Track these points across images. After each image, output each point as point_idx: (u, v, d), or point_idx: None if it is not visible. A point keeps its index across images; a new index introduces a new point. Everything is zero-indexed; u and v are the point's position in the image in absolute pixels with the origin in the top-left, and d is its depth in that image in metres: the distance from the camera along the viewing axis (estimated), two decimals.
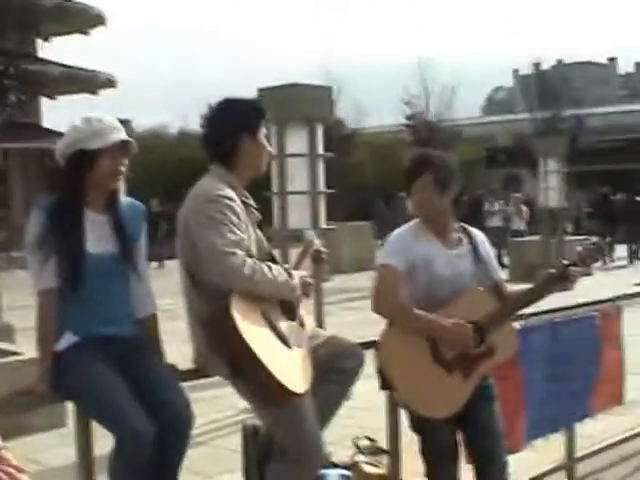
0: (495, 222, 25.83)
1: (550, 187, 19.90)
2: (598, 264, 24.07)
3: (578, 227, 36.01)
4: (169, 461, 3.94)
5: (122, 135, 4.06)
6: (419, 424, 4.72)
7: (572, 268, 4.73)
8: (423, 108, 45.67)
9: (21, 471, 3.00)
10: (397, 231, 4.83)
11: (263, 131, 4.35)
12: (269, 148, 4.42)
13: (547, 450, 6.45)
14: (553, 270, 4.80)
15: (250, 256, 4.00)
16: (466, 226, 4.95)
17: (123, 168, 4.11)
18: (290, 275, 4.11)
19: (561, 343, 6.07)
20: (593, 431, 7.00)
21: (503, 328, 4.75)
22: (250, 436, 4.50)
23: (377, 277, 4.68)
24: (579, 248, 4.89)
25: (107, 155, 4.00)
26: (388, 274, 4.61)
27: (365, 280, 21.86)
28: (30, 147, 36.73)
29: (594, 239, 5.11)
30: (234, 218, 4.01)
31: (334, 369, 4.34)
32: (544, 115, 45.99)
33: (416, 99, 45.72)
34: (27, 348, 8.39)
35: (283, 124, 9.24)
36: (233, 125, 4.24)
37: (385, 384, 4.80)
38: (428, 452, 4.79)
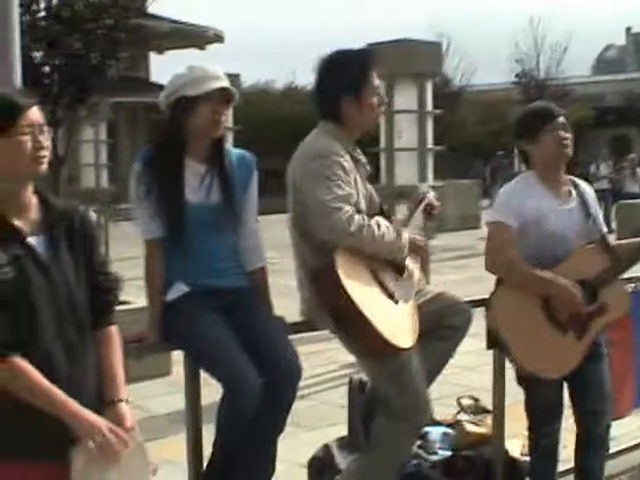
0: (602, 185, 25.30)
1: None
2: None
3: None
4: (276, 413, 3.94)
5: (223, 83, 4.02)
6: (527, 378, 4.68)
7: None
8: (533, 66, 44.91)
9: (127, 431, 3.03)
10: (508, 186, 4.78)
11: (371, 85, 4.21)
12: (380, 101, 4.29)
13: None
14: None
15: (359, 211, 3.98)
16: (576, 179, 4.89)
17: (224, 117, 4.09)
18: (399, 235, 4.06)
19: None
20: None
21: (614, 286, 4.69)
22: (356, 390, 4.52)
23: (489, 235, 4.63)
24: None
25: (207, 102, 3.97)
26: (499, 232, 4.56)
27: (470, 239, 21.83)
28: (138, 101, 37.26)
29: None
30: (342, 173, 3.97)
31: (442, 325, 4.31)
32: None
33: (526, 57, 44.98)
34: (135, 298, 8.52)
35: (392, 80, 9.18)
36: (334, 86, 4.15)
37: (493, 343, 4.77)
38: (533, 406, 4.78)
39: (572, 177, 4.87)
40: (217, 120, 4.04)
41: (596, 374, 4.79)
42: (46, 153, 3.01)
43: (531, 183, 4.69)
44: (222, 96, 4.04)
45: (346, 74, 4.17)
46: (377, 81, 4.27)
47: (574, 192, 4.78)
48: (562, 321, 4.55)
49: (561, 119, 4.65)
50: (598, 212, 4.89)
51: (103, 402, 3.08)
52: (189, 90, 3.97)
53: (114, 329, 3.29)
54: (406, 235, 4.11)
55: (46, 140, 3.01)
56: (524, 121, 4.76)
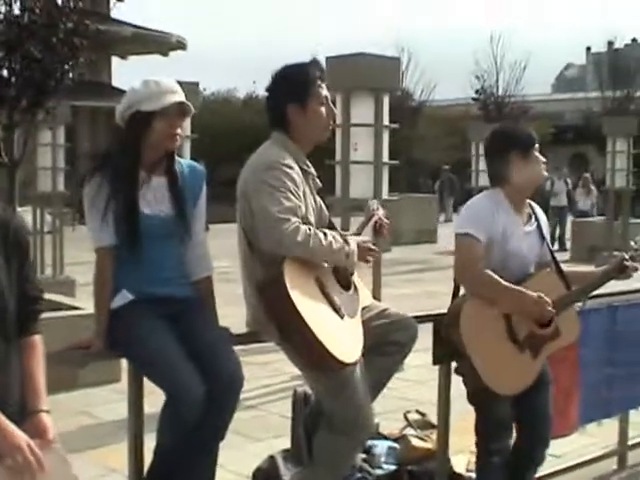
0: (561, 202, 25.56)
1: (617, 168, 19.61)
2: None
3: None
4: (217, 421, 3.96)
5: (178, 97, 4.06)
6: (481, 394, 4.69)
7: (629, 263, 4.80)
8: (493, 83, 45.21)
9: (49, 443, 3.01)
10: (479, 199, 4.81)
11: (318, 95, 4.23)
12: (328, 112, 4.30)
13: (599, 435, 6.41)
14: (618, 256, 4.83)
15: (308, 223, 3.99)
16: (532, 203, 4.93)
17: (179, 130, 4.11)
18: (347, 241, 4.08)
19: (620, 327, 6.00)
20: None
21: (567, 312, 4.75)
22: (300, 402, 4.53)
23: (458, 247, 4.61)
24: (632, 243, 4.95)
25: (162, 117, 4.01)
26: (470, 245, 4.55)
27: (425, 253, 21.93)
28: (99, 106, 37.12)
29: None
30: (291, 185, 3.99)
31: (387, 341, 4.33)
32: (615, 94, 45.29)
33: (486, 74, 45.26)
34: (87, 303, 8.50)
35: (349, 93, 9.20)
36: (280, 95, 4.22)
37: (440, 359, 4.81)
38: (485, 423, 4.81)
39: (529, 200, 4.91)
40: (173, 134, 4.07)
41: (544, 400, 4.90)
42: None
43: (500, 201, 4.70)
44: (178, 110, 4.07)
45: (292, 84, 4.22)
46: (325, 92, 4.29)
47: (533, 215, 4.84)
48: (520, 339, 4.60)
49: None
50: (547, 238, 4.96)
51: (25, 412, 3.05)
52: (144, 105, 4.00)
53: (38, 338, 3.25)
54: (354, 242, 4.12)
55: None
56: (516, 135, 4.76)
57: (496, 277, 4.49)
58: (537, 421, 4.89)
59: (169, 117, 4.03)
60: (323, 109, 4.27)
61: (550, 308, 4.54)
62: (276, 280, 3.84)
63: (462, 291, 4.74)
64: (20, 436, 2.90)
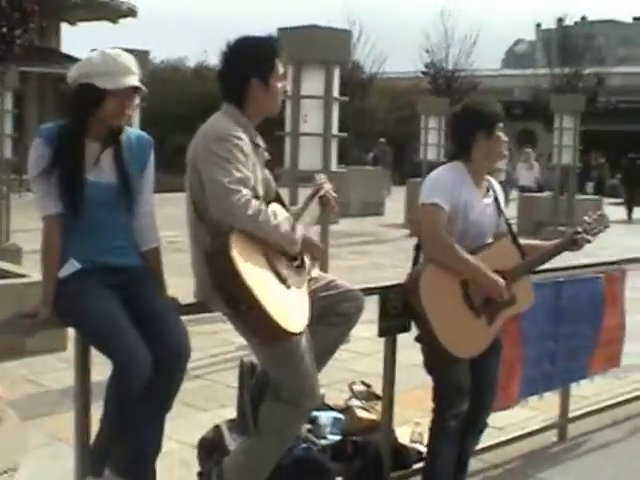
0: (499, 177, 25.83)
1: (564, 145, 19.81)
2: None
3: (600, 188, 35.85)
4: (163, 391, 3.99)
5: (133, 81, 4.03)
6: (440, 359, 4.80)
7: (580, 236, 5.02)
8: (443, 57, 45.26)
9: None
10: (443, 170, 4.90)
11: (277, 71, 4.28)
12: (283, 88, 4.36)
13: (540, 408, 6.52)
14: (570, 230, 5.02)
15: (256, 197, 4.02)
16: (490, 178, 5.07)
17: (130, 111, 4.11)
18: (293, 229, 4.09)
19: (563, 302, 6.11)
20: (588, 392, 7.06)
21: (523, 280, 4.95)
22: (246, 372, 4.55)
23: (425, 216, 4.72)
24: (586, 217, 5.14)
25: (115, 97, 3.99)
26: (437, 214, 4.66)
27: (373, 225, 22.01)
28: (47, 72, 36.69)
29: (601, 211, 5.29)
30: (241, 157, 4.01)
31: (333, 312, 4.37)
32: (564, 71, 45.54)
33: (436, 48, 45.30)
34: (33, 271, 8.45)
35: (300, 65, 9.19)
36: (243, 69, 4.21)
37: (385, 331, 4.88)
38: (443, 388, 4.91)
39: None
40: (123, 112, 4.06)
41: (494, 368, 5.09)
42: None
43: (462, 174, 4.83)
44: (131, 90, 4.06)
45: (254, 59, 4.22)
46: (282, 68, 4.33)
47: (490, 188, 4.99)
48: (476, 305, 4.74)
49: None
50: (504, 209, 5.09)
51: None
52: (99, 81, 3.97)
53: None
54: (300, 231, 4.13)
55: None
56: (482, 114, 4.87)
57: (459, 247, 4.64)
58: (485, 387, 5.05)
59: (121, 97, 4.02)
60: (280, 85, 4.31)
61: (503, 292, 4.72)
62: (223, 250, 3.85)
63: (422, 259, 4.82)
64: None
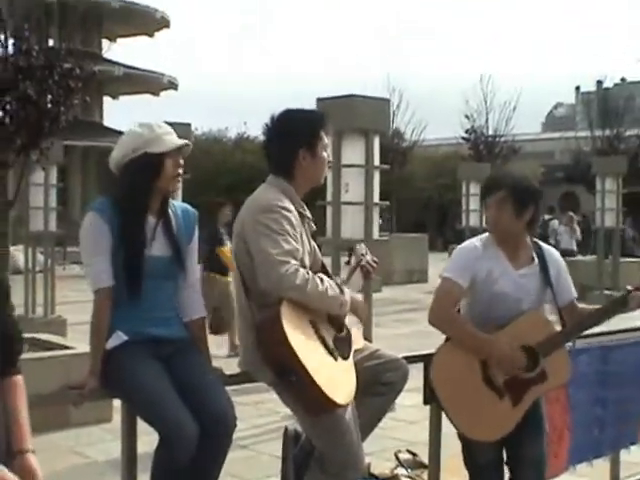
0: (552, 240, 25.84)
1: (607, 207, 19.73)
2: None
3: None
4: (210, 462, 3.98)
5: (183, 140, 4.16)
6: (463, 437, 4.72)
7: (635, 293, 4.70)
8: (483, 123, 45.45)
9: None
10: (467, 243, 4.85)
11: (323, 143, 4.36)
12: (328, 159, 4.44)
13: (590, 475, 6.42)
14: (616, 295, 4.78)
15: (303, 267, 4.05)
16: (541, 244, 4.92)
17: (181, 171, 4.19)
18: (342, 291, 4.14)
19: (611, 367, 6.02)
20: (638, 458, 6.94)
21: (557, 354, 4.70)
22: (291, 441, 4.53)
23: (436, 289, 4.68)
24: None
25: (170, 158, 4.10)
26: (447, 288, 4.61)
27: (416, 292, 21.94)
28: (91, 145, 37.28)
29: None
30: (289, 228, 4.06)
31: (378, 381, 4.36)
32: (605, 133, 45.55)
33: (476, 113, 45.52)
34: (78, 342, 8.50)
35: (340, 135, 9.26)
36: (292, 141, 4.28)
37: (430, 398, 4.82)
38: (472, 464, 4.81)
39: (538, 241, 4.91)
40: (178, 174, 4.16)
41: (534, 445, 4.79)
42: None
43: (488, 244, 4.74)
44: (181, 152, 4.16)
45: (302, 130, 4.30)
46: (327, 139, 4.41)
47: (536, 257, 4.81)
48: (498, 385, 4.60)
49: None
50: (564, 276, 4.89)
51: (10, 453, 3.06)
52: (153, 147, 4.07)
53: (20, 378, 3.26)
54: (348, 292, 4.18)
55: None
56: (525, 189, 4.73)
57: (464, 322, 4.56)
58: (526, 464, 4.80)
59: (175, 159, 4.12)
60: (326, 155, 4.38)
61: (522, 360, 4.55)
62: (274, 321, 3.88)
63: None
64: (11, 477, 2.90)
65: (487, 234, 4.81)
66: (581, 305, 5.01)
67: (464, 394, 4.59)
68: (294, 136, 4.28)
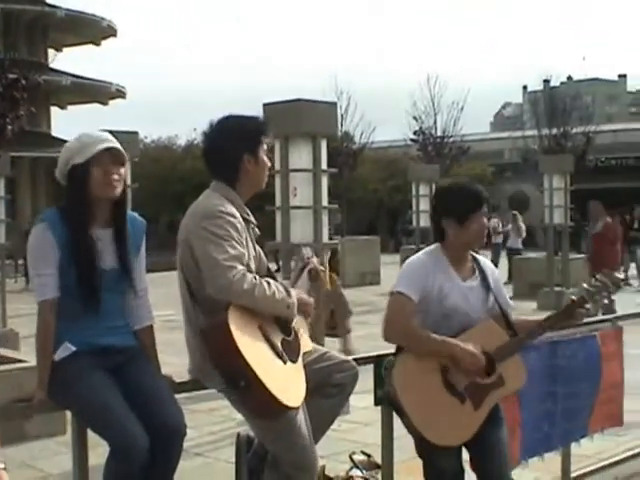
0: (497, 239, 26.27)
1: (555, 204, 19.85)
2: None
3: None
4: (162, 471, 3.98)
5: (107, 144, 4.10)
6: (424, 448, 4.72)
7: (578, 310, 4.79)
8: (431, 124, 45.68)
9: None
10: (416, 257, 4.84)
11: (264, 147, 4.39)
12: (269, 164, 4.46)
13: (542, 469, 6.49)
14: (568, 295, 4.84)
15: (250, 271, 4.06)
16: (475, 255, 4.96)
17: (116, 176, 4.13)
18: (288, 293, 4.16)
19: (560, 362, 6.08)
20: (589, 451, 7.03)
21: (512, 359, 4.77)
22: (243, 447, 4.54)
23: (388, 305, 4.69)
24: (584, 285, 4.89)
25: (96, 166, 4.05)
26: (399, 303, 4.62)
27: (370, 295, 21.96)
28: (39, 156, 36.96)
29: (599, 275, 4.94)
30: (234, 234, 4.07)
31: (328, 383, 4.39)
32: (552, 132, 45.91)
33: (424, 115, 45.75)
34: (31, 356, 8.45)
35: (287, 139, 9.27)
36: (234, 145, 4.29)
37: (380, 399, 4.85)
38: (429, 473, 4.79)
39: (473, 254, 4.94)
40: (109, 181, 4.10)
41: (495, 439, 4.85)
42: None
43: (439, 259, 4.76)
44: (111, 156, 4.10)
45: (245, 134, 4.32)
46: (268, 143, 4.44)
47: (476, 268, 4.88)
48: (459, 390, 4.63)
49: (485, 207, 4.79)
50: (500, 286, 4.97)
51: None
52: (77, 158, 4.06)
53: None
54: (294, 293, 4.20)
55: None
56: (454, 201, 4.78)
57: (421, 331, 4.57)
58: (489, 458, 4.84)
59: (102, 165, 4.07)
60: (266, 159, 4.41)
61: (479, 356, 4.59)
62: (221, 326, 3.89)
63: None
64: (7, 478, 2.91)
65: (434, 247, 4.84)
66: (526, 318, 5.12)
67: (426, 401, 4.61)
68: (237, 141, 4.29)
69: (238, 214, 4.19)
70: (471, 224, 4.72)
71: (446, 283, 4.69)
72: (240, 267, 3.97)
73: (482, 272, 4.87)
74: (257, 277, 4.03)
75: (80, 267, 4.02)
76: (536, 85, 52.23)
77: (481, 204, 4.76)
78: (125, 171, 4.20)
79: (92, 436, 4.06)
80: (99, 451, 4.07)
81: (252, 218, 4.37)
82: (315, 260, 4.63)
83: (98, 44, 47.03)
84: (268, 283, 4.06)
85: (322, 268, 4.63)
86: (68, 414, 4.34)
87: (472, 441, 4.71)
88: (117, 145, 4.14)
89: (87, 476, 4.14)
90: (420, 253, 4.90)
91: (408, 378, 4.62)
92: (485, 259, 5.05)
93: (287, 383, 4.04)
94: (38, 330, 4.06)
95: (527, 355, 5.55)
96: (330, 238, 10.44)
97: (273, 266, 4.67)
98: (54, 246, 4.00)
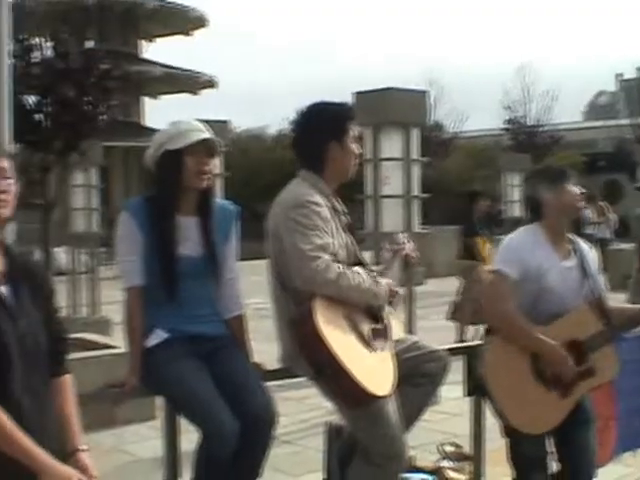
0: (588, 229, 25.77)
1: None
2: None
3: None
4: (252, 458, 4.00)
5: (204, 135, 4.12)
6: (511, 431, 4.70)
7: None
8: (523, 113, 45.17)
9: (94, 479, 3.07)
10: (514, 235, 4.82)
11: (352, 134, 4.34)
12: (357, 151, 4.40)
13: (635, 464, 6.37)
14: None
15: (338, 261, 4.04)
16: (574, 237, 4.91)
17: (208, 168, 4.15)
18: (377, 282, 4.13)
19: None
20: None
21: (605, 349, 4.69)
22: (333, 436, 4.54)
23: (490, 283, 4.68)
24: None
25: (191, 155, 4.07)
26: (500, 282, 4.60)
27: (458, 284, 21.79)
28: (131, 146, 37.47)
29: None
30: (320, 223, 4.05)
31: (418, 373, 4.36)
32: None
33: (516, 104, 45.26)
34: (123, 342, 8.55)
35: (378, 128, 9.23)
36: (320, 132, 4.26)
37: (473, 390, 4.81)
38: (517, 460, 4.77)
39: (572, 235, 4.90)
40: (201, 172, 4.11)
41: (585, 438, 4.81)
42: (6, 197, 3.04)
43: (537, 236, 4.73)
44: (205, 148, 4.12)
45: (331, 121, 4.29)
46: (355, 131, 4.39)
47: (574, 250, 4.82)
48: (548, 377, 4.58)
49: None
50: (596, 271, 4.90)
51: (64, 452, 3.09)
52: (171, 144, 4.07)
53: (69, 378, 3.30)
54: (384, 282, 4.17)
55: (8, 185, 3.04)
56: (549, 169, 4.89)
57: (518, 318, 4.52)
58: (579, 457, 4.80)
59: (196, 155, 4.09)
60: (355, 147, 4.36)
61: (570, 364, 4.54)
62: (307, 317, 3.88)
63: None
64: (69, 471, 2.95)
65: (532, 225, 4.80)
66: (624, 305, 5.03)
67: (514, 387, 4.58)
68: (324, 129, 4.27)
69: (325, 202, 4.17)
70: (566, 188, 4.72)
71: (545, 261, 4.65)
72: (325, 257, 3.94)
73: (581, 255, 4.81)
74: (342, 266, 4.01)
75: (160, 254, 4.05)
76: (631, 73, 51.31)
77: (570, 176, 4.78)
78: (216, 162, 4.20)
79: (183, 422, 4.09)
80: (190, 437, 4.10)
81: (341, 206, 4.35)
82: (409, 246, 4.59)
83: (188, 34, 47.43)
84: (353, 272, 4.04)
85: (415, 253, 4.58)
86: (158, 399, 4.38)
87: (559, 433, 4.68)
88: (213, 137, 4.16)
89: (178, 461, 4.18)
90: (517, 231, 4.87)
91: (498, 362, 4.60)
92: (583, 243, 4.97)
93: (375, 372, 4.02)
94: (125, 316, 4.13)
95: (621, 346, 5.44)
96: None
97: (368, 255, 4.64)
98: (137, 233, 4.05)
